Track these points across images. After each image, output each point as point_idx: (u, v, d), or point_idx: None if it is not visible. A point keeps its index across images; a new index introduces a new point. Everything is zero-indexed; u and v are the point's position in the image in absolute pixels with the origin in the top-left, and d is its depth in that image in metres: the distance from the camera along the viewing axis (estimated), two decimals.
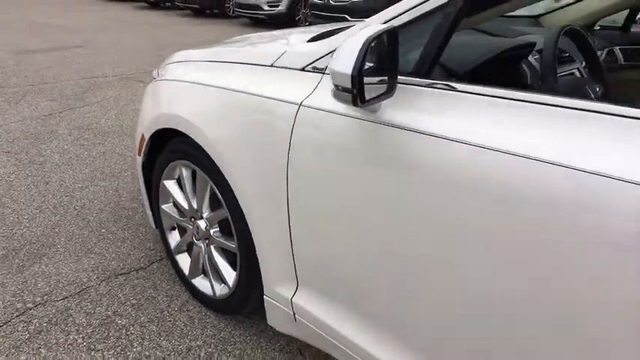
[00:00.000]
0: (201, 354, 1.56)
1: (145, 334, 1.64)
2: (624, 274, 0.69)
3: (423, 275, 0.97)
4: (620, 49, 2.05)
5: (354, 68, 0.83)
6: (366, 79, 0.87)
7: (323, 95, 1.11)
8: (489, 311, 0.87)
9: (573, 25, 1.25)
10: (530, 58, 1.40)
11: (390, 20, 1.01)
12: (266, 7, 9.58)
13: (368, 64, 0.86)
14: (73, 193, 2.62)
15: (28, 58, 6.05)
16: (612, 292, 0.72)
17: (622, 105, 0.73)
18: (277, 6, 9.57)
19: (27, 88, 4.70)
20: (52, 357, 1.52)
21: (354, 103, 0.86)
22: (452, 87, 0.96)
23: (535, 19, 2.14)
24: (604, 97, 1.32)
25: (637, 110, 0.72)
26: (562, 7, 2.11)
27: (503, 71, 1.21)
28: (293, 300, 1.34)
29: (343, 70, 0.85)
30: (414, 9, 0.97)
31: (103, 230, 2.26)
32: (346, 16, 7.55)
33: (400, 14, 0.99)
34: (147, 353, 1.55)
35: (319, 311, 1.29)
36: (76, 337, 1.62)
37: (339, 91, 0.88)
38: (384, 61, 0.89)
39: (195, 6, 11.43)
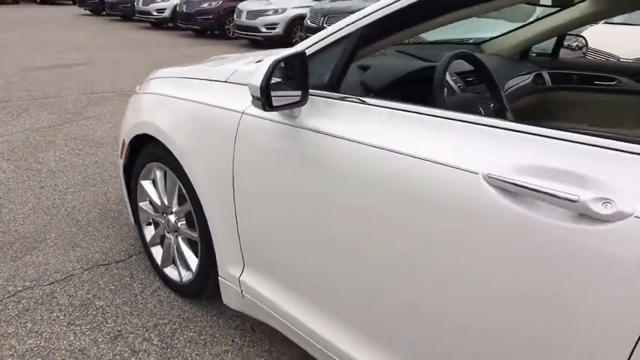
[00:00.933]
0: (166, 330, 1.80)
1: (118, 314, 1.87)
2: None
3: (339, 254, 1.21)
4: (548, 72, 2.32)
5: (262, 82, 1.09)
6: (276, 92, 1.13)
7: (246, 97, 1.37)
8: (395, 284, 1.09)
9: (466, 51, 1.52)
10: (447, 76, 1.67)
11: (308, 47, 1.28)
12: (264, 30, 9.99)
13: (276, 79, 1.12)
14: (66, 196, 2.88)
15: (33, 74, 6.37)
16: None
17: (496, 119, 0.94)
18: (274, 29, 9.98)
19: (30, 102, 5.00)
20: (37, 331, 1.76)
21: (264, 109, 1.13)
22: (362, 100, 1.22)
23: (478, 46, 2.42)
24: (497, 112, 1.57)
25: (505, 122, 0.93)
26: (499, 36, 2.40)
27: (413, 88, 1.48)
28: (240, 279, 1.59)
29: (255, 83, 1.11)
30: (324, 39, 1.25)
31: (90, 228, 2.51)
32: None
33: (314, 43, 1.27)
34: (119, 328, 1.79)
35: (261, 288, 1.53)
36: (59, 314, 1.86)
37: (254, 100, 1.15)
38: (295, 77, 1.16)
39: (197, 27, 11.85)
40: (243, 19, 10.26)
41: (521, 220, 0.84)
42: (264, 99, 1.10)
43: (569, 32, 2.36)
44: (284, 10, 9.99)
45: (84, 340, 1.73)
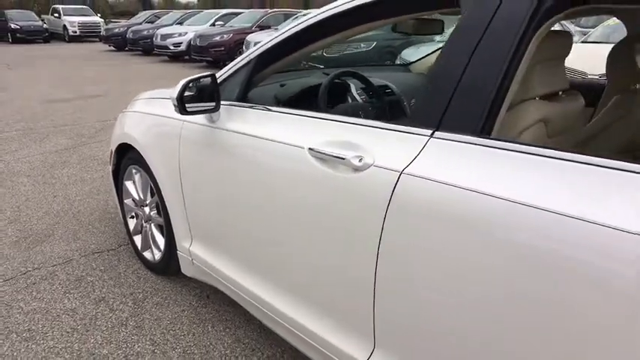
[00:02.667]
0: (139, 296, 2.27)
1: (104, 286, 2.36)
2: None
3: (253, 221, 1.62)
4: None
5: (177, 94, 1.59)
6: (195, 103, 1.63)
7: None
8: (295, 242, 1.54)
9: (350, 69, 2.00)
10: (353, 90, 2.15)
11: (224, 72, 1.78)
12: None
13: (190, 93, 1.62)
14: (73, 203, 3.42)
15: (55, 105, 7.09)
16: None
17: (375, 120, 1.33)
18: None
19: (51, 129, 5.66)
20: (40, 297, 2.26)
21: (180, 113, 1.62)
22: (268, 108, 1.70)
23: (406, 67, 2.90)
24: (376, 118, 2.03)
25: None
26: (424, 57, 2.87)
27: (310, 99, 1.96)
28: (190, 249, 2.06)
29: (173, 95, 1.61)
30: (234, 66, 1.75)
31: (90, 227, 3.03)
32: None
33: (228, 69, 1.77)
34: (103, 295, 2.28)
35: (205, 255, 1.99)
36: (57, 286, 2.35)
37: (174, 107, 1.64)
38: (208, 92, 1.66)
39: (209, 58, 12.65)
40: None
41: (325, 174, 1.31)
42: (179, 106, 1.60)
43: None
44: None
45: (74, 303, 2.22)
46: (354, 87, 2.14)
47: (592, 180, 0.89)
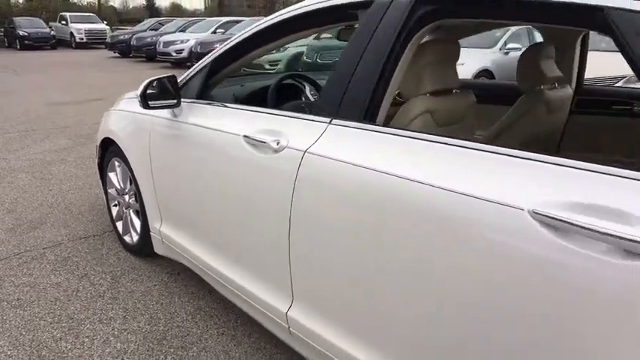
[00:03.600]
0: (118, 273, 2.56)
1: (87, 265, 2.65)
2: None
3: (213, 202, 1.88)
4: None
5: (141, 91, 1.88)
6: (158, 100, 1.91)
7: (162, 110, 2.16)
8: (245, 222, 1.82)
9: (297, 72, 2.29)
10: (307, 91, 2.44)
11: (188, 73, 2.07)
12: (267, 66, 11.02)
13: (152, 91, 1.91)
14: (66, 196, 3.72)
15: (58, 108, 7.43)
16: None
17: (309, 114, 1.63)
18: (277, 65, 10.98)
19: (52, 130, 5.98)
20: (29, 273, 2.55)
21: (143, 107, 1.91)
22: (225, 105, 1.99)
23: None
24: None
25: (313, 116, 1.64)
26: None
27: (262, 97, 2.25)
28: (160, 229, 2.34)
29: (138, 93, 1.90)
30: (194, 69, 2.04)
31: (79, 216, 3.33)
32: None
33: (191, 71, 2.06)
34: (85, 272, 2.56)
35: (172, 234, 2.27)
36: (46, 265, 2.64)
37: (139, 103, 1.93)
38: (170, 90, 1.94)
39: None
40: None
41: (254, 156, 1.59)
42: (142, 102, 1.89)
43: None
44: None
45: (60, 278, 2.50)
46: (308, 88, 2.43)
47: (449, 157, 1.15)
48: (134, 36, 17.46)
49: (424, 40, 1.51)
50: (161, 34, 16.11)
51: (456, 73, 1.73)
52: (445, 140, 1.18)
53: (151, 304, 2.29)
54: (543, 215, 0.93)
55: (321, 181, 1.36)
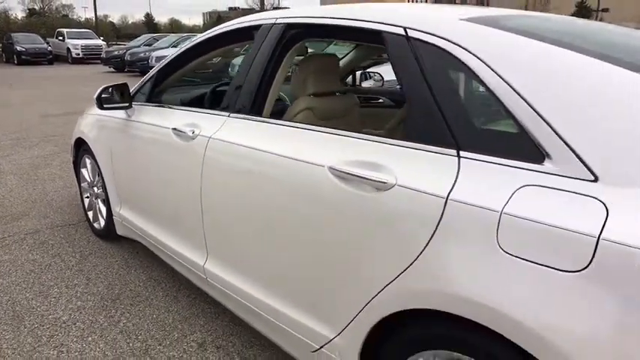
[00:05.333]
0: (86, 252, 3.00)
1: (61, 246, 3.09)
2: None
3: (159, 186, 2.36)
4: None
5: (97, 95, 2.35)
6: (112, 103, 2.38)
7: (120, 112, 2.62)
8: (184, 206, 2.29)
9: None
10: None
11: (142, 80, 2.54)
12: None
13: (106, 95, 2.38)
14: (49, 193, 4.17)
15: (48, 119, 7.91)
16: None
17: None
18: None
19: (41, 139, 6.44)
20: (10, 253, 2.99)
21: (99, 108, 2.37)
22: (165, 106, 2.45)
23: None
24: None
25: (219, 111, 2.13)
26: None
27: (199, 100, 2.72)
28: (120, 212, 2.79)
29: (94, 96, 2.37)
30: (146, 77, 2.51)
31: (59, 209, 3.77)
32: None
33: (144, 79, 2.53)
34: (58, 252, 3.00)
35: (129, 215, 2.71)
36: (25, 246, 3.08)
37: (95, 104, 2.39)
38: (123, 95, 2.41)
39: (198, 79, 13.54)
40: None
41: (178, 144, 2.04)
42: (97, 103, 2.36)
43: (370, 70, 3.57)
44: None
45: (36, 256, 2.94)
46: None
47: (298, 136, 1.61)
48: (128, 51, 18.04)
49: (308, 54, 1.97)
50: (154, 50, 16.68)
51: (337, 79, 2.21)
52: (303, 126, 1.64)
53: (110, 274, 2.73)
54: (335, 169, 1.39)
55: (220, 158, 1.82)
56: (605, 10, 35.77)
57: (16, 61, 21.86)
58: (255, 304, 1.78)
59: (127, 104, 2.45)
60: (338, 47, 4.24)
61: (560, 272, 0.97)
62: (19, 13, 52.78)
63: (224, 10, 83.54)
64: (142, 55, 16.92)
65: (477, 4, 35.18)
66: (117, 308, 2.39)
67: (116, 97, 2.42)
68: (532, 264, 1.00)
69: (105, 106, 2.39)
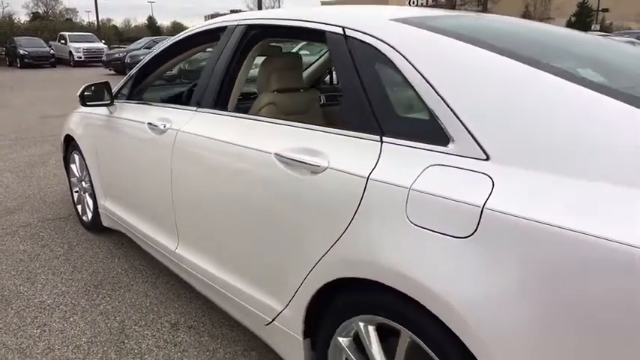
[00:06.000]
0: (74, 244, 3.16)
1: (51, 238, 3.25)
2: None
3: (139, 177, 2.54)
4: (325, 95, 3.66)
5: (80, 92, 2.51)
6: (95, 100, 2.54)
7: (104, 109, 2.78)
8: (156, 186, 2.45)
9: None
10: None
11: (124, 79, 2.70)
12: None
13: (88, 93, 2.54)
14: (43, 190, 4.33)
15: (47, 120, 8.10)
16: None
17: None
18: None
19: (40, 139, 6.62)
20: (2, 243, 3.15)
21: (82, 105, 2.53)
22: (142, 103, 2.60)
23: None
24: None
25: (188, 106, 2.29)
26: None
27: (177, 98, 2.88)
28: (105, 205, 2.95)
29: (77, 94, 2.53)
30: (126, 77, 2.67)
31: (51, 204, 3.94)
32: None
33: (125, 78, 2.69)
34: (47, 243, 3.16)
35: (112, 207, 2.87)
36: (17, 238, 3.25)
37: (79, 101, 2.55)
38: (103, 92, 2.57)
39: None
40: None
41: (151, 137, 2.20)
42: (80, 100, 2.52)
43: None
44: None
45: (26, 247, 3.11)
46: None
47: (253, 128, 1.76)
48: (128, 54, 18.26)
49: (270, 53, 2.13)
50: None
51: (301, 76, 2.36)
52: (261, 119, 1.79)
53: (95, 263, 2.89)
54: (280, 155, 1.54)
55: (186, 149, 1.98)
56: (605, 10, 35.83)
57: (19, 65, 22.13)
58: (218, 283, 1.93)
59: (109, 101, 2.61)
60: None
61: (454, 238, 1.11)
62: (23, 17, 53.34)
63: (226, 12, 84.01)
64: (141, 57, 17.09)
65: (477, 4, 35.32)
66: (98, 293, 2.54)
67: (98, 95, 2.58)
68: (432, 232, 1.15)
69: (87, 103, 2.55)
